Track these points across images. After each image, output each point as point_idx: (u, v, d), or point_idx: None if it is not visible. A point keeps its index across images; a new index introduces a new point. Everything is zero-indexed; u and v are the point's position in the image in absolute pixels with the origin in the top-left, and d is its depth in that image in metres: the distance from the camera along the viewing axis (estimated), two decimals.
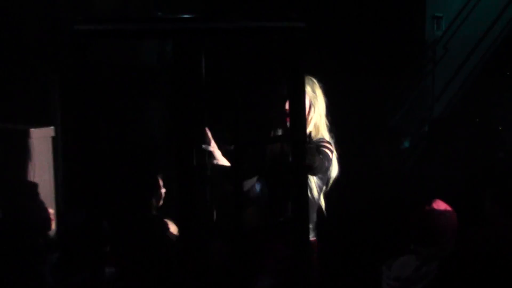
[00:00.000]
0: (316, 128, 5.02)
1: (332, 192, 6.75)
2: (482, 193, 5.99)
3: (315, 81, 5.07)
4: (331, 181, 5.11)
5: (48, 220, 5.97)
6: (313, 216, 5.08)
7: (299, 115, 3.68)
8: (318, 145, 4.93)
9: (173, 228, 5.94)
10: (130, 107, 8.63)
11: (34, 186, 6.33)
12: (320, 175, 5.00)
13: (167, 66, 9.37)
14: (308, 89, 4.91)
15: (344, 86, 9.57)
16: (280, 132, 4.98)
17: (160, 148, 8.51)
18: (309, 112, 4.96)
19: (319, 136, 5.05)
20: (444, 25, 10.40)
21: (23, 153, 7.52)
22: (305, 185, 3.93)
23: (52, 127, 6.67)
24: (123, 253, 5.81)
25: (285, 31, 3.55)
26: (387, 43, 9.99)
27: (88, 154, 3.34)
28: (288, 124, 4.75)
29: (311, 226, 4.98)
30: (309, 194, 4.90)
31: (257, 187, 5.08)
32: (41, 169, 7.13)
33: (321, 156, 4.82)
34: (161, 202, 6.27)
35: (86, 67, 3.28)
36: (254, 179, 5.03)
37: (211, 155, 4.75)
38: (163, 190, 6.30)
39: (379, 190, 6.63)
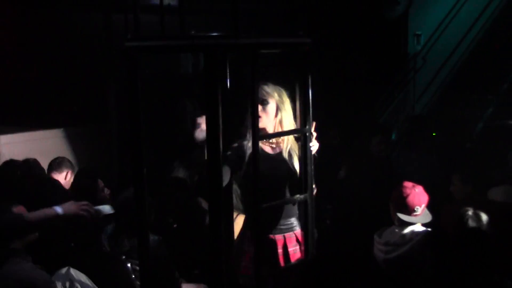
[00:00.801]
0: (284, 127, 4.52)
1: (334, 176, 6.75)
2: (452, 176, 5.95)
3: (282, 89, 4.58)
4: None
5: (105, 198, 5.96)
6: (295, 210, 4.61)
7: (306, 111, 3.65)
8: None
9: (204, 204, 5.92)
10: (170, 107, 8.63)
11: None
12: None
13: (201, 73, 9.36)
14: (275, 94, 4.52)
15: (344, 91, 9.59)
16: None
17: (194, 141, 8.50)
18: (276, 114, 4.53)
19: None
20: (423, 41, 10.38)
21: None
22: (311, 171, 3.89)
23: None
24: (165, 224, 5.81)
25: (294, 45, 3.53)
26: (378, 55, 9.99)
27: (137, 144, 3.33)
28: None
29: (294, 219, 4.59)
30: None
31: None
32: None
33: None
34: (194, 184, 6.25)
35: (135, 75, 3.27)
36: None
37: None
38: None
39: (372, 173, 6.59)
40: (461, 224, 4.69)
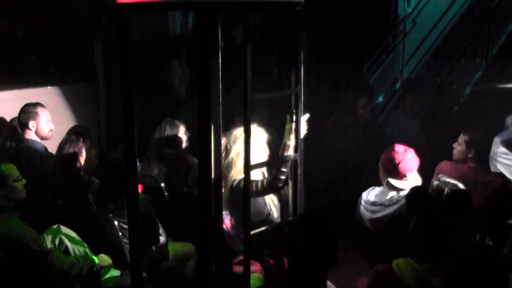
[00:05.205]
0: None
1: (325, 136, 6.76)
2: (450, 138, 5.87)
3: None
4: None
5: (93, 158, 5.97)
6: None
7: (298, 72, 3.64)
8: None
9: (194, 163, 5.94)
10: (159, 67, 8.62)
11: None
12: None
13: (189, 34, 9.33)
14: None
15: (333, 54, 9.58)
16: None
17: (182, 101, 8.50)
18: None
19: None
20: (413, 3, 10.37)
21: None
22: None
23: None
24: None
25: (287, 5, 3.51)
26: (368, 18, 10.00)
27: (128, 103, 3.33)
28: None
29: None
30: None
31: None
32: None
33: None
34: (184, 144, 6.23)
35: (126, 34, 3.25)
36: None
37: None
38: (186, 135, 6.23)
39: (361, 134, 6.61)
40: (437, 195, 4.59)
